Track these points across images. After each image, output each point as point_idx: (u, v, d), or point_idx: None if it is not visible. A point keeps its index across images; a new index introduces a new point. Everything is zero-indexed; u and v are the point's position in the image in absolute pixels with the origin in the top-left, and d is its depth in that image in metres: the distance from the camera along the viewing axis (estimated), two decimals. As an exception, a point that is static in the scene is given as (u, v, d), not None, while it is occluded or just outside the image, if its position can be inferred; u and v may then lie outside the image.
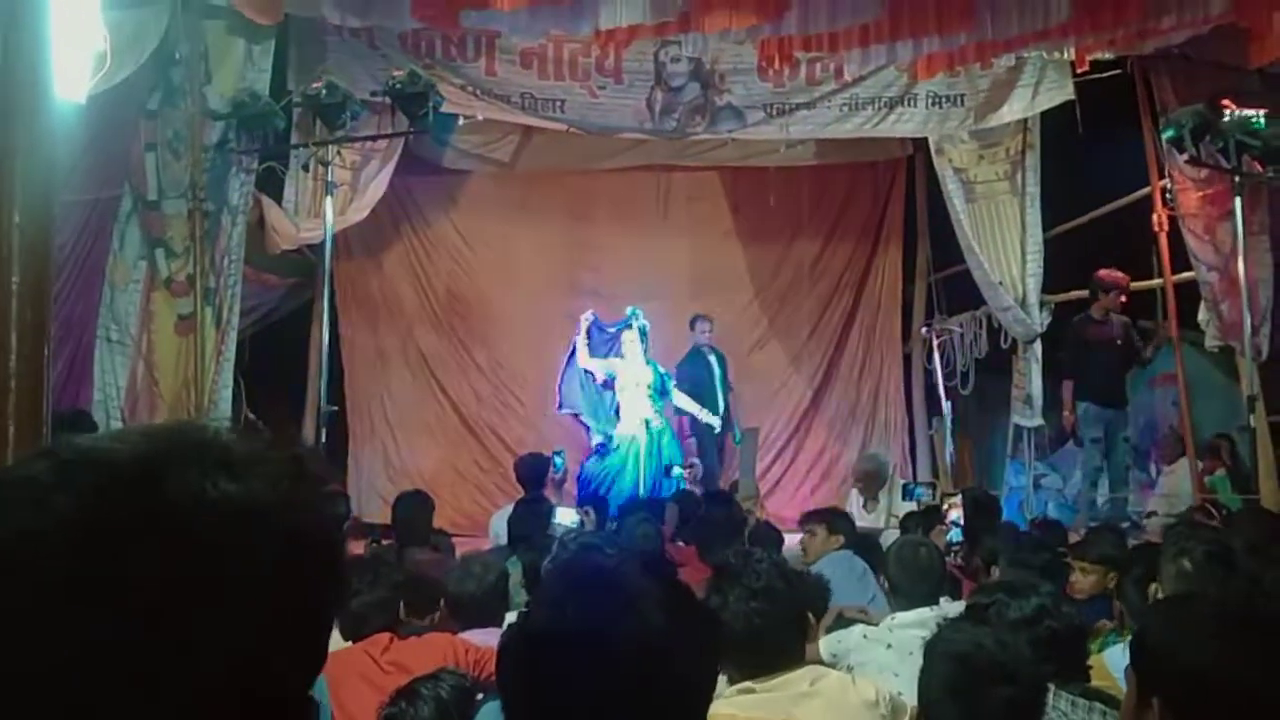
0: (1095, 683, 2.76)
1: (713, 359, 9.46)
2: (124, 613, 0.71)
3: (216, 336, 7.38)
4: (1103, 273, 8.48)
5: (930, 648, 2.32)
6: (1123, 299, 8.56)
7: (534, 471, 7.17)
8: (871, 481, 8.15)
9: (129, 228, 7.23)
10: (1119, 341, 8.56)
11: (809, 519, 5.86)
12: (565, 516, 5.97)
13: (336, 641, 3.54)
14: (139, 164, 7.20)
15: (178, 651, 0.72)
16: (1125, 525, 7.52)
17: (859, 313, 10.90)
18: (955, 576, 4.95)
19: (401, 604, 3.86)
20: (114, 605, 0.71)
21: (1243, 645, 1.40)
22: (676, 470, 8.43)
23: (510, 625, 1.42)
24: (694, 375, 9.37)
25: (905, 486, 7.63)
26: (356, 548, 5.75)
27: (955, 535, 5.51)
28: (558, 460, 7.65)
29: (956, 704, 2.22)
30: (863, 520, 7.37)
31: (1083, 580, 4.43)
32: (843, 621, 4.07)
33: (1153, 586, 3.48)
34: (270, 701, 0.77)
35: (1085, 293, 8.89)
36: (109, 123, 6.79)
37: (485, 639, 3.51)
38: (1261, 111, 7.17)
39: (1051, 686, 2.54)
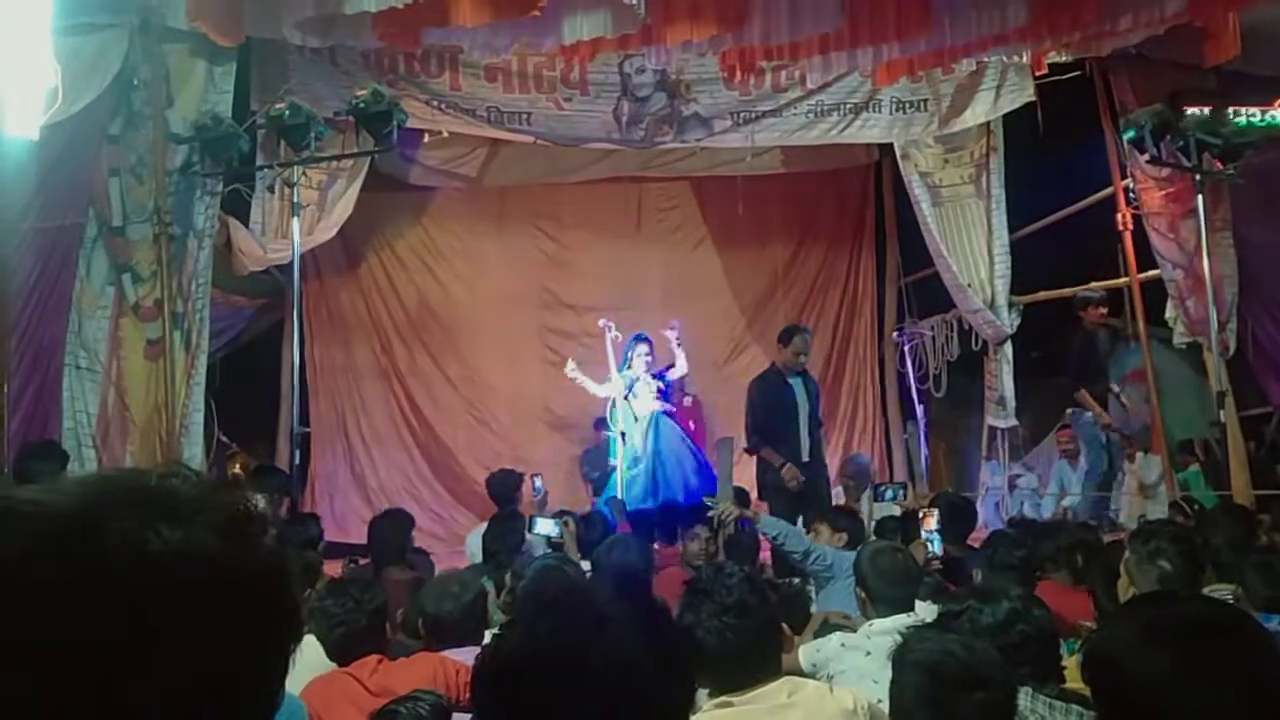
0: (1071, 684, 2.77)
1: (795, 384, 7.49)
2: (66, 669, 0.70)
3: (186, 360, 7.33)
4: (1080, 291, 8.67)
5: (899, 658, 2.32)
6: (1103, 310, 8.69)
7: (506, 488, 7.13)
8: (860, 481, 8.19)
9: (95, 254, 7.17)
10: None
11: (814, 518, 5.90)
12: (544, 527, 5.93)
13: (325, 665, 3.51)
14: (103, 189, 7.14)
15: (124, 703, 0.71)
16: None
17: (834, 318, 10.96)
18: (942, 584, 4.92)
19: (388, 624, 3.84)
20: (54, 662, 0.70)
21: (1172, 658, 1.42)
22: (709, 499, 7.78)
23: (485, 646, 1.41)
24: (769, 402, 7.46)
25: (877, 488, 7.60)
26: (333, 569, 5.72)
27: (935, 545, 5.47)
28: (537, 483, 7.55)
29: (929, 712, 2.23)
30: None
31: None
32: (827, 627, 4.08)
33: (1131, 590, 3.49)
34: None
35: (1053, 293, 9.01)
36: (71, 149, 6.73)
37: (469, 658, 3.47)
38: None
39: (1030, 689, 2.55)
